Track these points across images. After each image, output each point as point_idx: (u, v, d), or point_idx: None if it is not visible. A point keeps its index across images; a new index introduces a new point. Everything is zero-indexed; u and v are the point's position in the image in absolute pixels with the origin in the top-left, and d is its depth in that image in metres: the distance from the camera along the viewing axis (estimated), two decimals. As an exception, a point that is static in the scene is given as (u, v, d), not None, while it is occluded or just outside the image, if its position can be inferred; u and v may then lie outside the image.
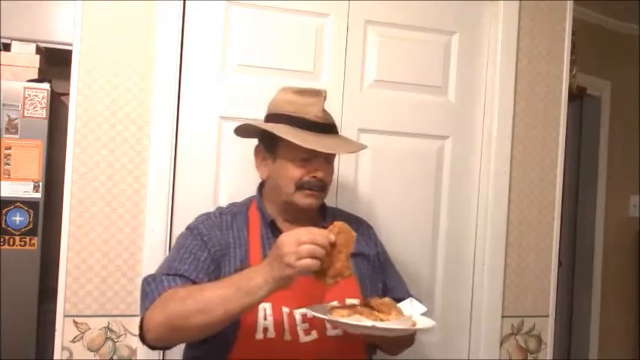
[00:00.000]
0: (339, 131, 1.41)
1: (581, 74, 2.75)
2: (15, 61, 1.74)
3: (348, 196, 1.72)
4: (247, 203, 1.39)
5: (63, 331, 1.53)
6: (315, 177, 1.29)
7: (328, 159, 1.32)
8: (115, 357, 1.56)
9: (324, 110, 1.32)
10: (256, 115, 1.65)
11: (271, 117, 1.35)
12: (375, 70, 1.76)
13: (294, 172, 1.29)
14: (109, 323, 1.56)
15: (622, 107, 3.19)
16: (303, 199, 1.29)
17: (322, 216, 1.38)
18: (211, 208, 1.61)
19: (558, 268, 1.92)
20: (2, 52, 1.77)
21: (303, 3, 1.70)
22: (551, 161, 1.90)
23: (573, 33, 1.93)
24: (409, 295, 1.40)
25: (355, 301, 1.24)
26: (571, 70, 2.06)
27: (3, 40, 1.88)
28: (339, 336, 1.22)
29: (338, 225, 1.08)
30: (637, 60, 3.16)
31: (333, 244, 1.05)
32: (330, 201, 1.48)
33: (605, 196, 3.19)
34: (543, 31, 1.89)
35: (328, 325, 1.21)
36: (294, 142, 1.24)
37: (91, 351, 1.55)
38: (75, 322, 1.54)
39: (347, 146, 1.39)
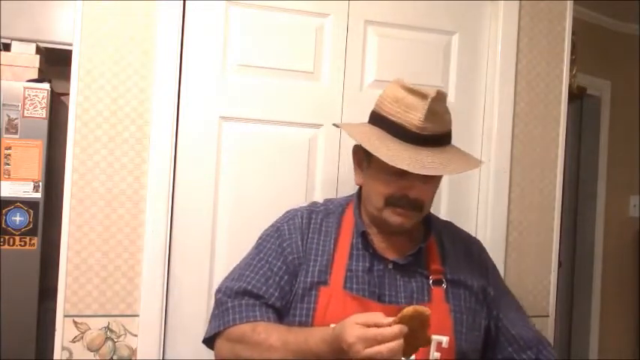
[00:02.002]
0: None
1: (581, 74, 2.75)
2: (15, 61, 1.74)
3: (347, 194, 1.72)
4: (344, 204, 1.29)
5: (63, 331, 1.53)
6: (407, 196, 1.14)
7: (428, 176, 1.13)
8: (115, 357, 1.56)
9: (432, 116, 1.11)
10: (256, 115, 1.66)
11: (373, 116, 1.21)
12: (375, 70, 1.76)
13: (384, 186, 1.15)
14: (109, 323, 1.56)
15: (622, 107, 3.20)
16: (393, 217, 1.16)
17: (426, 229, 1.27)
18: (211, 209, 1.63)
19: (558, 268, 1.92)
20: (2, 52, 1.77)
21: (303, 3, 1.70)
22: (551, 161, 1.90)
23: (573, 33, 1.93)
24: (529, 332, 1.28)
25: (444, 339, 1.14)
26: (571, 70, 2.05)
27: (3, 40, 1.88)
28: None
29: (408, 314, 0.94)
30: (637, 60, 3.16)
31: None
32: (330, 201, 1.47)
33: (605, 196, 3.19)
34: (543, 31, 1.89)
35: None
36: (376, 154, 1.10)
37: (91, 351, 1.55)
38: (75, 322, 1.54)
39: (448, 165, 1.13)
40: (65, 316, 1.53)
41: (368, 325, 0.93)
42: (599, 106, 3.18)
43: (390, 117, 1.15)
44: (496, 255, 1.83)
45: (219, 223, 1.64)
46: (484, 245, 1.80)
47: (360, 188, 1.28)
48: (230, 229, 1.64)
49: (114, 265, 1.56)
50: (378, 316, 0.95)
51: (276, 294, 1.17)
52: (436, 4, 1.81)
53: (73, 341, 1.54)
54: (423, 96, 1.12)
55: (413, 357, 1.04)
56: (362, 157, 1.21)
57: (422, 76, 1.80)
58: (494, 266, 1.36)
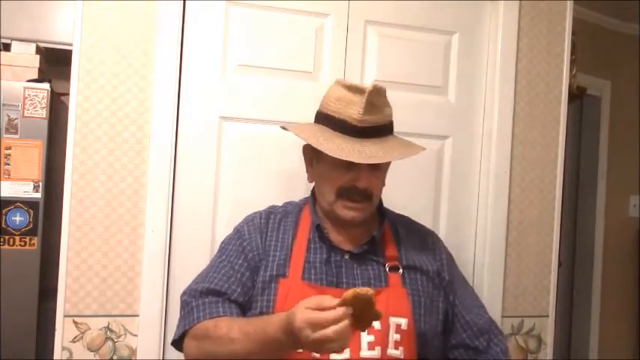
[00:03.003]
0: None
1: (581, 74, 2.75)
2: (15, 61, 1.75)
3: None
4: (302, 204, 1.34)
5: (63, 331, 1.53)
6: (356, 187, 1.19)
7: (374, 166, 1.20)
8: (115, 357, 1.56)
9: (371, 109, 1.18)
10: (256, 115, 1.66)
11: (317, 115, 1.28)
12: (375, 70, 1.76)
13: (334, 180, 1.21)
14: (109, 323, 1.56)
15: (622, 107, 3.20)
16: (345, 211, 1.21)
17: (379, 220, 1.31)
18: (211, 209, 1.64)
19: (558, 268, 1.92)
20: (2, 52, 1.77)
21: (303, 3, 1.70)
22: (551, 161, 1.90)
23: (573, 33, 1.93)
24: (482, 319, 1.31)
25: (403, 321, 1.18)
26: (571, 70, 2.05)
27: (3, 40, 1.88)
28: (374, 358, 1.15)
29: (349, 296, 0.97)
30: (637, 60, 3.16)
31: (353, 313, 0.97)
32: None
33: (605, 196, 3.19)
34: (543, 31, 1.89)
35: (364, 346, 1.15)
36: (320, 149, 1.16)
37: (91, 351, 1.55)
38: (75, 322, 1.54)
39: (391, 153, 1.19)
40: (65, 316, 1.53)
41: (316, 308, 0.96)
42: (599, 106, 3.18)
43: (332, 114, 1.21)
44: (496, 255, 1.83)
45: (219, 223, 1.64)
46: (479, 244, 1.83)
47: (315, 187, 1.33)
48: (230, 229, 1.62)
49: (114, 265, 1.56)
50: (325, 299, 0.97)
51: (239, 290, 1.21)
52: (436, 4, 1.81)
53: (73, 341, 1.54)
54: (360, 91, 1.18)
55: (371, 338, 1.10)
56: (311, 155, 1.27)
57: (422, 76, 1.81)
58: (449, 254, 1.39)
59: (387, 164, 1.27)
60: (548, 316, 1.89)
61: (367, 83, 1.21)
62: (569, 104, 1.97)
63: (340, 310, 0.95)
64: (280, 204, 1.38)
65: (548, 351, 1.89)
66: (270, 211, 1.33)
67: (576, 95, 2.67)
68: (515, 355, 1.85)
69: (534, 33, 1.87)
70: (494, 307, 1.82)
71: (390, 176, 1.77)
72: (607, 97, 3.18)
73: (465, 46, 1.84)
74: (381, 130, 1.21)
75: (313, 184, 1.34)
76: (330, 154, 1.15)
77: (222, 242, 1.33)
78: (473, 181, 1.86)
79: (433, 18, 1.81)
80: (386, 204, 1.75)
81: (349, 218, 1.22)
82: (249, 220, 1.32)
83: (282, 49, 1.69)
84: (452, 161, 1.83)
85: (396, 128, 1.76)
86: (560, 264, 1.96)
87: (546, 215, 1.89)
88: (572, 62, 2.12)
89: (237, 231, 1.31)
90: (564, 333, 3.24)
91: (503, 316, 1.84)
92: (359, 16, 1.74)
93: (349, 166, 1.17)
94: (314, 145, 1.18)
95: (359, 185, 1.19)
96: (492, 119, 1.83)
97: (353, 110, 1.18)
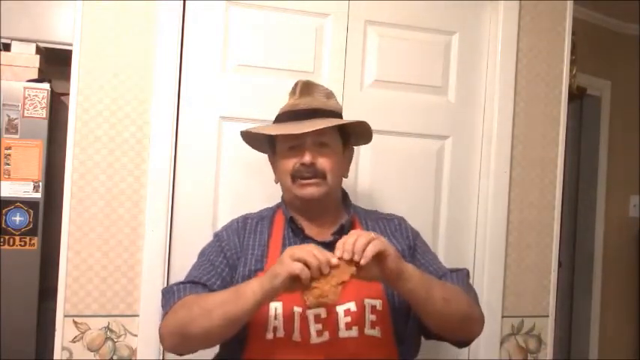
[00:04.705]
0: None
1: (581, 74, 2.75)
2: (15, 61, 1.74)
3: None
4: (275, 208, 1.40)
5: (63, 331, 1.53)
6: (304, 164, 1.26)
7: (320, 143, 1.28)
8: (115, 357, 1.56)
9: (306, 95, 1.31)
10: (256, 115, 1.66)
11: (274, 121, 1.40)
12: (375, 70, 1.76)
13: (285, 163, 1.30)
14: (109, 323, 1.56)
15: (622, 107, 3.20)
16: (301, 190, 1.28)
17: (347, 211, 1.37)
18: (211, 209, 1.65)
19: (558, 268, 1.92)
20: (2, 52, 1.77)
21: (303, 3, 1.70)
22: (551, 161, 1.90)
23: (573, 33, 1.93)
24: (445, 278, 1.32)
25: (377, 302, 1.22)
26: (571, 70, 2.05)
27: (3, 40, 1.88)
28: (352, 338, 1.18)
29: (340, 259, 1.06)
30: (637, 60, 3.16)
31: (332, 267, 1.04)
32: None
33: (605, 196, 3.19)
34: (543, 31, 1.89)
35: (342, 327, 1.19)
36: (259, 131, 1.32)
37: (91, 351, 1.55)
38: (75, 322, 1.54)
39: (315, 125, 1.26)
40: (65, 316, 1.53)
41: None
42: (599, 106, 3.18)
43: (280, 112, 1.36)
44: (496, 255, 1.83)
45: (219, 223, 1.63)
46: (479, 244, 1.83)
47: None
48: (230, 229, 1.63)
49: (114, 265, 1.56)
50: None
51: (218, 282, 1.25)
52: (436, 4, 1.81)
53: (73, 341, 1.54)
54: (295, 84, 1.35)
55: (348, 319, 1.17)
56: (272, 159, 1.39)
57: (422, 76, 1.81)
58: (416, 231, 1.43)
59: (337, 146, 1.32)
60: (548, 316, 1.89)
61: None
62: (569, 104, 1.97)
63: (330, 253, 1.05)
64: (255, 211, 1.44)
65: (548, 351, 1.89)
66: (247, 217, 1.39)
67: (576, 95, 2.67)
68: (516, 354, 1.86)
69: (534, 33, 1.87)
70: (494, 307, 1.83)
71: (391, 176, 1.78)
72: (607, 97, 3.18)
73: (465, 46, 1.84)
74: (322, 112, 1.30)
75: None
76: (269, 133, 1.30)
77: (202, 249, 1.37)
78: (473, 181, 1.86)
79: (433, 18, 1.81)
80: (385, 204, 1.76)
81: (307, 195, 1.28)
82: (227, 226, 1.38)
83: (282, 49, 1.69)
84: (452, 161, 1.84)
85: (396, 128, 1.78)
86: (560, 264, 1.96)
87: (546, 215, 1.89)
88: (572, 62, 2.13)
89: (216, 235, 1.36)
90: (564, 333, 3.24)
91: (503, 316, 1.84)
92: (359, 16, 1.74)
93: (295, 146, 1.28)
94: (257, 131, 1.33)
95: (306, 160, 1.26)
96: (492, 119, 1.83)
97: (291, 100, 1.34)
